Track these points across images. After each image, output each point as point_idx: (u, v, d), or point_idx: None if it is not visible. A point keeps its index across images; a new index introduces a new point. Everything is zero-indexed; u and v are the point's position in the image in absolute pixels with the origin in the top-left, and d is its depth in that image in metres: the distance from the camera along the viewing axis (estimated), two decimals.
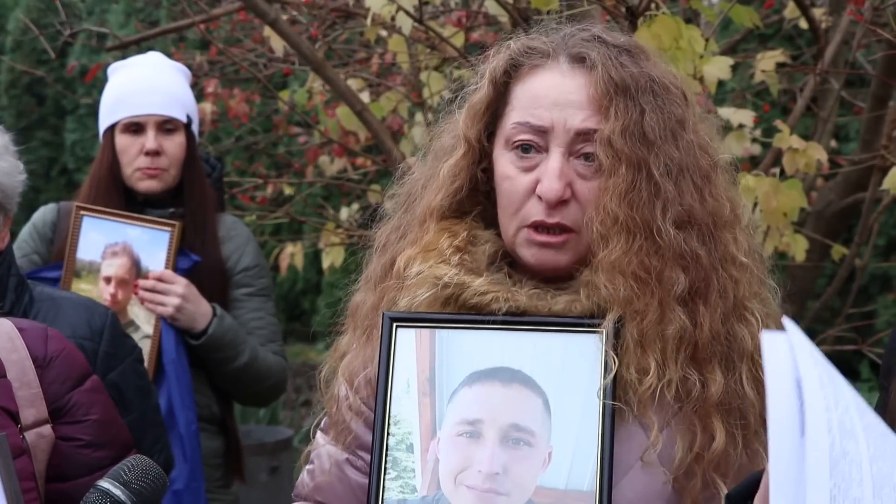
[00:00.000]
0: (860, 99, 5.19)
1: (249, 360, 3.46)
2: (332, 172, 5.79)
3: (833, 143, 5.31)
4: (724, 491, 1.74)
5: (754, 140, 4.37)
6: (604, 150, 1.79)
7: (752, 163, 4.74)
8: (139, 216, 3.41)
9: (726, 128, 3.79)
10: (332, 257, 4.94)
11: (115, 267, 3.38)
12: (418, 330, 1.82)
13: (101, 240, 3.40)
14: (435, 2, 3.87)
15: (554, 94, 1.83)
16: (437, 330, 1.81)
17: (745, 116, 3.80)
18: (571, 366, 1.77)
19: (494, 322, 1.80)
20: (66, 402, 2.09)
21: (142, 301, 3.36)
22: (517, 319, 1.80)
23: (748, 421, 1.79)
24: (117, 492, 1.85)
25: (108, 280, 3.38)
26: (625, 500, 1.74)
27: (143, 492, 1.88)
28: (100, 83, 3.89)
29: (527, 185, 1.83)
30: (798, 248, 3.72)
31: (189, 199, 3.53)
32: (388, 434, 1.78)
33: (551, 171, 1.80)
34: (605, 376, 1.74)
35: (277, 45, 4.47)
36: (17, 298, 2.60)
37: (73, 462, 2.06)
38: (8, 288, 2.57)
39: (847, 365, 9.04)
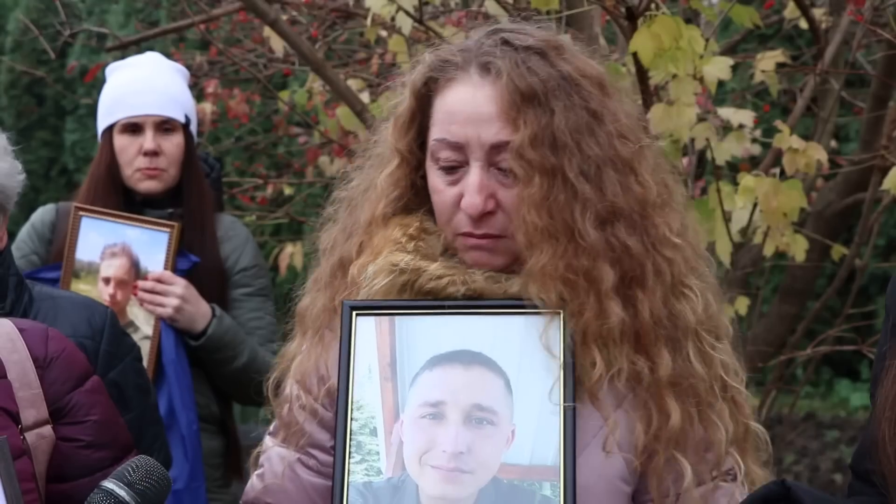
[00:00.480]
0: (860, 99, 5.19)
1: (248, 360, 3.46)
2: (331, 173, 5.78)
3: (833, 144, 5.31)
4: (687, 466, 1.81)
5: (754, 140, 4.37)
6: (516, 161, 1.82)
7: (753, 163, 4.75)
8: (138, 217, 3.41)
9: (726, 128, 3.79)
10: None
11: (114, 268, 3.38)
12: (378, 317, 1.85)
13: (100, 240, 3.39)
14: (435, 2, 3.87)
15: (467, 108, 1.86)
16: (396, 317, 1.85)
17: (745, 117, 3.80)
18: (530, 346, 1.81)
19: (453, 307, 1.84)
20: (67, 402, 2.08)
21: (141, 302, 3.35)
22: (476, 303, 1.84)
23: (700, 395, 1.84)
24: (121, 492, 1.85)
25: (107, 281, 3.38)
26: (583, 478, 1.77)
27: (147, 492, 1.87)
28: (99, 83, 3.89)
29: (454, 198, 1.87)
30: (798, 248, 3.72)
31: (188, 199, 3.52)
32: (351, 419, 1.81)
33: (471, 186, 1.84)
34: (565, 354, 1.79)
35: (277, 45, 4.48)
36: (17, 298, 2.60)
37: (73, 463, 2.06)
38: (8, 288, 2.57)
39: (847, 365, 9.06)
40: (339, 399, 1.83)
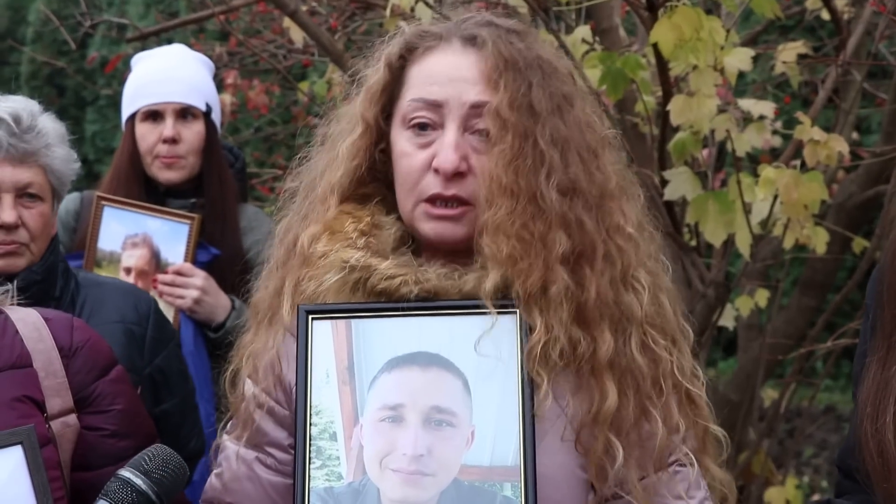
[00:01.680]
0: (882, 90, 5.16)
1: None
2: None
3: (854, 135, 5.29)
4: (620, 451, 1.81)
5: (775, 132, 4.35)
6: (492, 119, 1.85)
7: (773, 155, 4.73)
8: (159, 208, 3.41)
9: (747, 119, 3.78)
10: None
11: (135, 258, 3.39)
12: (334, 321, 1.84)
13: (122, 230, 3.41)
14: None
15: (448, 70, 1.90)
16: (353, 320, 1.84)
17: (765, 108, 3.79)
18: (488, 346, 1.81)
19: (409, 309, 1.84)
20: (92, 391, 2.10)
21: (160, 294, 3.36)
22: (431, 305, 1.84)
23: (639, 385, 1.85)
24: (138, 481, 1.86)
25: (128, 271, 3.39)
26: (543, 468, 1.78)
27: (164, 481, 1.89)
28: (120, 74, 3.92)
29: (424, 161, 1.89)
30: (819, 240, 3.71)
31: (209, 188, 3.52)
32: (310, 424, 1.80)
33: (447, 144, 1.87)
34: (522, 353, 1.80)
35: (297, 36, 4.48)
36: (65, 284, 2.67)
37: (97, 452, 2.08)
38: (57, 274, 2.63)
39: None
40: (297, 404, 1.82)
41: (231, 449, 1.99)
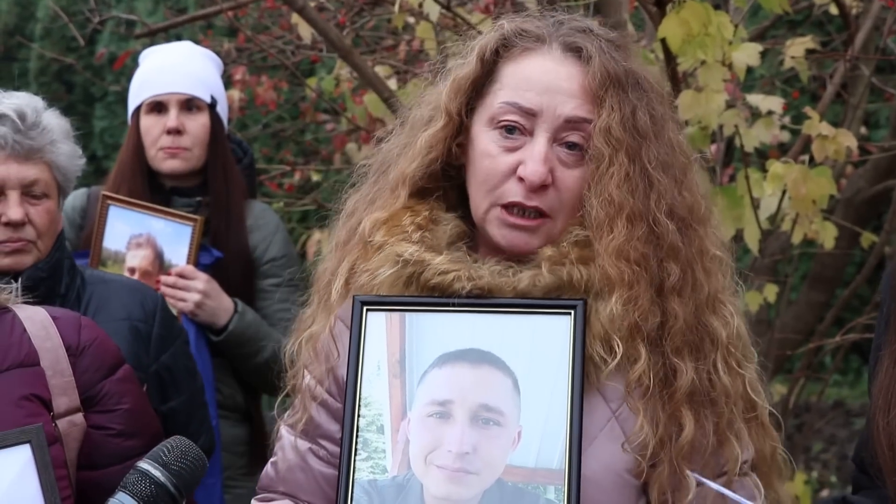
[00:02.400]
0: (891, 85, 5.15)
1: (272, 354, 3.36)
2: (359, 159, 5.77)
3: (863, 130, 5.27)
4: (692, 480, 1.78)
5: (783, 127, 4.34)
6: (603, 138, 1.82)
7: (781, 150, 4.72)
8: (163, 209, 3.38)
9: (755, 114, 3.77)
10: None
11: (139, 258, 3.38)
12: (388, 313, 1.84)
13: (127, 230, 3.39)
14: None
15: (546, 78, 1.85)
16: (406, 313, 1.83)
17: (774, 103, 3.77)
18: (540, 346, 1.79)
19: (464, 305, 1.82)
20: (99, 390, 2.10)
21: (163, 296, 3.35)
22: (486, 301, 1.82)
23: (720, 409, 1.82)
24: (157, 473, 1.86)
25: (132, 271, 3.37)
26: (590, 470, 1.76)
27: (183, 473, 1.89)
28: (128, 70, 3.91)
29: (508, 165, 1.85)
30: (827, 235, 3.70)
31: (213, 183, 3.48)
32: (358, 415, 1.80)
33: (537, 154, 1.83)
34: (575, 356, 1.77)
35: (305, 32, 4.48)
36: (71, 281, 2.67)
37: (103, 451, 2.08)
38: (63, 271, 2.62)
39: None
40: (346, 395, 1.82)
41: (287, 438, 1.98)
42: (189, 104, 3.47)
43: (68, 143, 2.61)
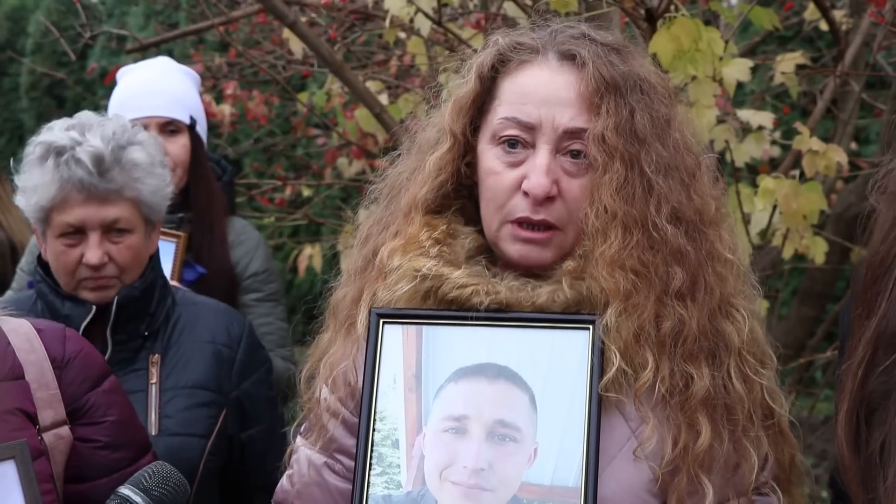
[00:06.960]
0: (881, 101, 5.16)
1: None
2: (350, 174, 5.79)
3: (853, 146, 5.29)
4: (709, 487, 1.76)
5: (774, 142, 4.35)
6: (597, 146, 1.80)
7: (772, 165, 4.72)
8: None
9: (745, 129, 3.77)
10: (350, 259, 4.93)
11: None
12: (405, 326, 1.82)
13: None
14: (453, 4, 3.87)
15: (543, 90, 1.84)
16: (423, 326, 1.81)
17: (764, 118, 3.78)
18: (558, 361, 1.77)
19: (481, 318, 1.80)
20: (85, 403, 2.09)
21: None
22: (504, 315, 1.80)
23: (736, 416, 1.80)
24: (137, 498, 1.86)
25: None
26: (609, 490, 1.74)
27: (164, 499, 1.88)
28: None
29: (512, 181, 1.84)
30: (818, 250, 3.70)
31: (195, 201, 3.51)
32: (373, 430, 1.78)
33: (539, 167, 1.81)
34: (593, 372, 1.75)
35: (296, 47, 4.48)
36: (161, 299, 2.65)
37: (91, 463, 2.06)
38: (155, 289, 2.62)
39: None
40: (362, 409, 1.80)
41: (303, 453, 1.97)
42: (168, 126, 3.49)
43: (154, 177, 2.57)
